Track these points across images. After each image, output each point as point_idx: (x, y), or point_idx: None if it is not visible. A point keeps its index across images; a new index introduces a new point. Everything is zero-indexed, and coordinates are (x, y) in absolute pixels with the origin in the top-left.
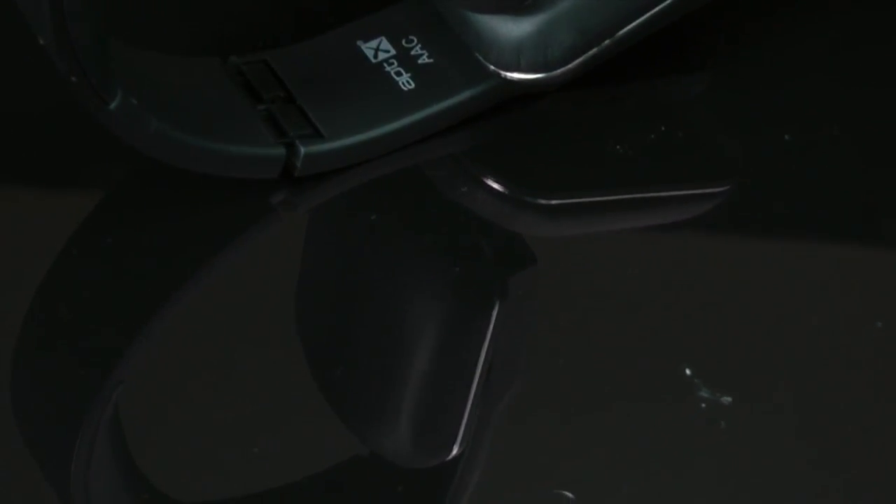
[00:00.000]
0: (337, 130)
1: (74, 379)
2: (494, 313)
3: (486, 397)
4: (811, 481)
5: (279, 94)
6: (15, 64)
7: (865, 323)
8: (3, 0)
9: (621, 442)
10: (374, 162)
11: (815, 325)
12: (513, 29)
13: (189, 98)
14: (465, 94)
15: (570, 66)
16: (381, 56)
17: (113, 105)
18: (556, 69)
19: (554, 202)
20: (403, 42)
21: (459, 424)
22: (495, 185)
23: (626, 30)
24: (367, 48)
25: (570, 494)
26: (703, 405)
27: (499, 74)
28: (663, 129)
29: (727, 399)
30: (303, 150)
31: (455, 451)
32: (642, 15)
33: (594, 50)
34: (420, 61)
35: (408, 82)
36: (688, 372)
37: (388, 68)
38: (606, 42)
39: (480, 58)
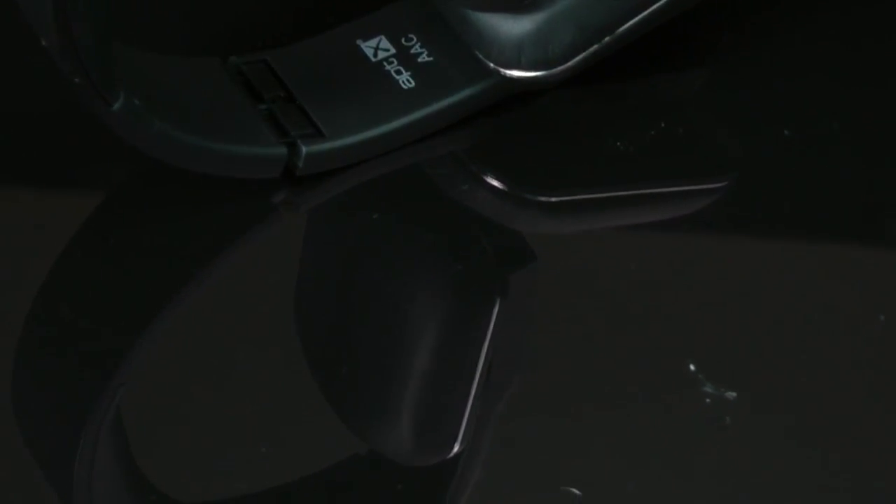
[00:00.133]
0: (338, 129)
1: (77, 379)
2: (495, 311)
3: (486, 395)
4: (816, 476)
5: (279, 93)
6: (16, 64)
7: (868, 316)
8: (4, 0)
9: (627, 439)
10: (375, 161)
11: (818, 319)
12: (513, 27)
13: (190, 98)
14: (465, 93)
15: (570, 63)
16: (381, 55)
17: (116, 106)
18: (556, 66)
19: (554, 199)
20: (403, 41)
21: (460, 422)
22: (496, 183)
23: (626, 26)
24: (367, 47)
25: (577, 492)
26: (708, 400)
27: (499, 72)
28: (663, 125)
29: (731, 394)
30: (305, 149)
31: (456, 448)
32: (642, 11)
33: (594, 47)
34: (420, 60)
35: (408, 81)
36: (692, 367)
37: (387, 67)
38: (607, 39)
39: (480, 56)
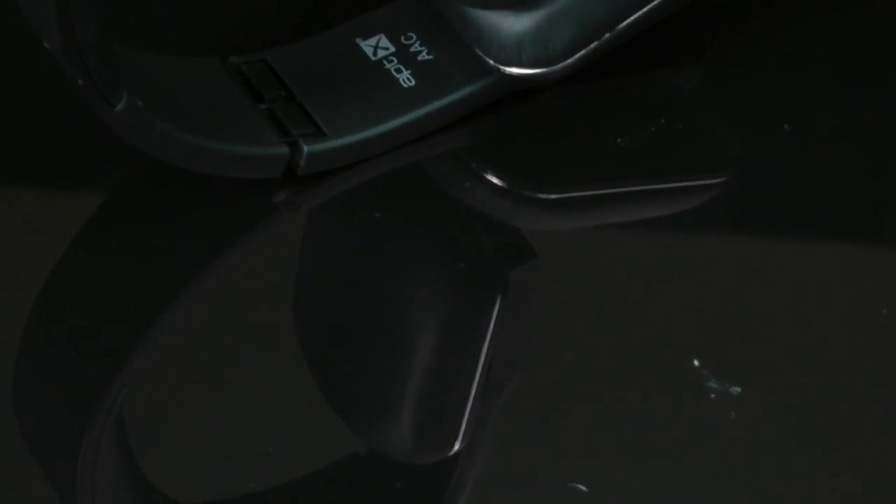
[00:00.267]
0: (339, 128)
1: (79, 380)
2: (495, 308)
3: (487, 392)
4: (821, 470)
5: (280, 93)
6: (18, 65)
7: (870, 310)
8: (5, 1)
9: (631, 435)
10: (375, 160)
11: (820, 314)
12: (513, 24)
13: (192, 99)
14: (465, 90)
15: (570, 60)
16: (381, 53)
17: (118, 107)
18: (556, 63)
19: (554, 196)
20: (402, 39)
21: (461, 420)
22: (496, 180)
23: (626, 23)
24: (367, 46)
25: (583, 488)
26: (713, 395)
27: (499, 70)
28: (663, 122)
29: (736, 389)
30: (306, 148)
31: (457, 446)
32: (642, 7)
33: (595, 44)
34: (419, 58)
35: (408, 79)
36: (696, 363)
37: (387, 65)
38: (607, 35)
39: (480, 53)
